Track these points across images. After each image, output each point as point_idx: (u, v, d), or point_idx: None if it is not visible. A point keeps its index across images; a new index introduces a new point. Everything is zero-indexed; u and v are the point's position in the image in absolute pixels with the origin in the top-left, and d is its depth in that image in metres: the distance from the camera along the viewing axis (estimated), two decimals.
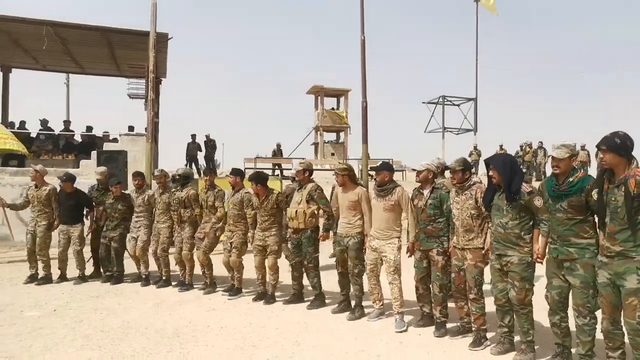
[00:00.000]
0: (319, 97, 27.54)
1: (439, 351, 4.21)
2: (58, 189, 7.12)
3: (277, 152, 20.34)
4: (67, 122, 14.71)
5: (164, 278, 6.79)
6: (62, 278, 6.98)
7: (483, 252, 4.23)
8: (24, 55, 13.69)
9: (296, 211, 5.55)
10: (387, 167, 5.02)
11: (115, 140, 13.39)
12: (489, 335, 4.37)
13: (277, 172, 18.76)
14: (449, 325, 4.71)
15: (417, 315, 5.03)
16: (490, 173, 4.00)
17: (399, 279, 4.92)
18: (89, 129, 14.77)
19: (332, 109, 28.12)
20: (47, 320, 5.15)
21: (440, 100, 27.17)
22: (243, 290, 6.31)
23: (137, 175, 7.12)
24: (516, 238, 3.85)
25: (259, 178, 5.87)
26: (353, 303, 5.36)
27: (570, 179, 3.53)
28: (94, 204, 7.23)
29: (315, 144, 27.09)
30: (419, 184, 4.83)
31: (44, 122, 14.21)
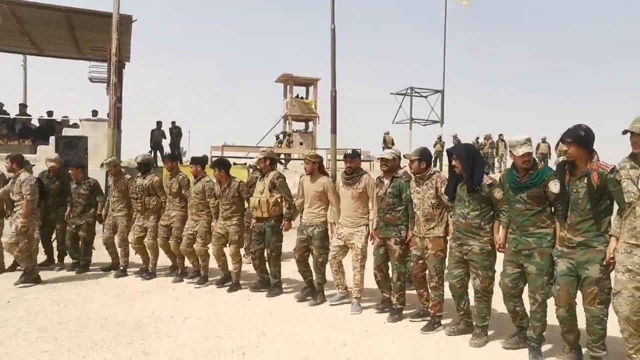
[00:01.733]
0: (288, 86, 27.33)
1: (405, 338, 4.24)
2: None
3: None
4: (23, 106, 14.06)
5: (121, 268, 6.63)
6: (15, 266, 6.67)
7: (449, 240, 4.29)
8: None
9: (259, 200, 5.51)
10: (355, 155, 5.09)
11: (75, 125, 12.89)
12: (447, 321, 4.51)
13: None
14: (407, 312, 4.81)
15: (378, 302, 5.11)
16: (453, 163, 4.04)
17: (364, 266, 5.00)
18: (50, 113, 14.15)
19: (301, 97, 27.99)
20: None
21: (408, 91, 27.38)
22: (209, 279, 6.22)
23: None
24: (477, 228, 3.96)
25: (221, 164, 5.87)
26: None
27: (531, 171, 3.61)
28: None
29: (284, 133, 26.92)
30: (384, 172, 4.82)
31: None
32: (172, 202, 6.33)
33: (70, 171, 6.71)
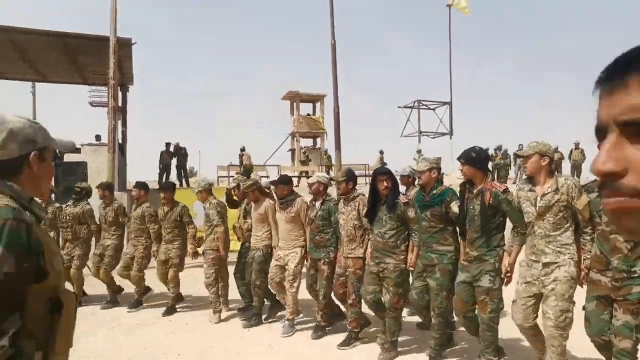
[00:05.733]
0: (295, 103, 27.28)
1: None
2: None
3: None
4: None
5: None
6: None
7: (367, 261, 4.39)
8: None
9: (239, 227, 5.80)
10: (283, 181, 5.19)
11: (78, 150, 12.80)
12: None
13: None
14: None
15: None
16: (386, 184, 4.11)
17: (296, 288, 5.02)
18: None
19: (308, 114, 27.89)
20: None
21: (416, 104, 27.16)
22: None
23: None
24: (393, 247, 4.12)
25: (169, 187, 6.05)
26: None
27: (434, 191, 3.90)
28: None
29: (292, 150, 26.76)
30: (314, 195, 4.95)
31: None
32: (107, 230, 6.24)
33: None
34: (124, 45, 11.04)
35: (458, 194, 3.76)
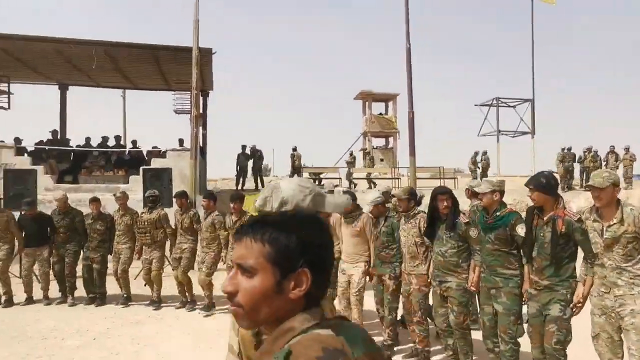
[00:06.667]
0: (367, 103, 27.19)
1: None
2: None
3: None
4: (118, 137, 15.10)
5: (124, 296, 6.93)
6: (29, 300, 7.03)
7: (428, 279, 4.38)
8: (79, 74, 14.20)
9: None
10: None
11: (164, 155, 13.57)
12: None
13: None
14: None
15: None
16: (446, 204, 4.12)
17: (361, 302, 4.97)
18: (134, 143, 15.05)
19: (380, 114, 27.69)
20: (85, 351, 5.09)
21: (494, 102, 26.03)
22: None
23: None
24: (454, 266, 4.11)
25: (238, 197, 6.34)
26: None
27: (498, 213, 3.80)
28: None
29: (363, 150, 26.69)
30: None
31: (104, 140, 14.69)
32: (183, 235, 6.68)
33: (90, 206, 6.95)
34: (205, 54, 11.55)
35: (524, 217, 3.65)
